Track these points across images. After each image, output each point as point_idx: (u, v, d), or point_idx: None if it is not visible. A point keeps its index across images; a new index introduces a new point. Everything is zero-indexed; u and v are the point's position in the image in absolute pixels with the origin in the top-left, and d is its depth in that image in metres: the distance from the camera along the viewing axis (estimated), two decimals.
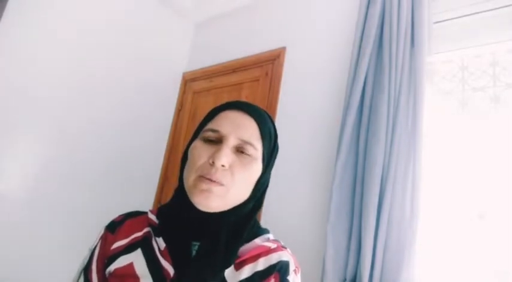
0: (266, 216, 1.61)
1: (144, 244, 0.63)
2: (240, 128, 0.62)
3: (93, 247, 0.67)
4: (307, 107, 1.67)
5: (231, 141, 0.61)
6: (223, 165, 0.59)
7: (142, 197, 2.12)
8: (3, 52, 1.57)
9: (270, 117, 0.70)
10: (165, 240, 0.61)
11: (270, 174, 0.69)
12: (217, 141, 0.62)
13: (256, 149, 0.62)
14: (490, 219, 1.14)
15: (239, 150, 0.62)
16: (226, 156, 0.59)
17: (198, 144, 0.63)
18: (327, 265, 1.24)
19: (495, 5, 1.27)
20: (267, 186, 0.69)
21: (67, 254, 1.53)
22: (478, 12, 1.31)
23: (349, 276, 1.21)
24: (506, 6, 1.25)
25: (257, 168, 0.63)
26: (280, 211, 1.59)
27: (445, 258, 1.18)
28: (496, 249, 1.10)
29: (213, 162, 0.58)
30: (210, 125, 0.64)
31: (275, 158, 0.69)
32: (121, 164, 2.00)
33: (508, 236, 1.09)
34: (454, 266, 1.16)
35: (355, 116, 1.35)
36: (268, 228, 0.71)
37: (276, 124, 1.71)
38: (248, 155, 0.61)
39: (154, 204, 2.17)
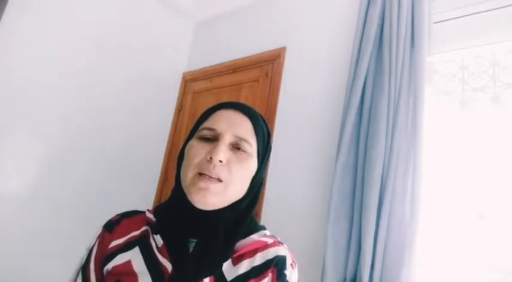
0: (266, 216, 1.61)
1: (142, 242, 0.63)
2: (235, 126, 0.64)
3: (91, 246, 0.67)
4: (307, 107, 1.67)
5: (227, 138, 0.62)
6: (220, 161, 0.60)
7: (143, 197, 2.12)
8: (3, 52, 1.57)
9: (262, 117, 0.71)
10: (162, 237, 0.61)
11: (264, 171, 0.70)
12: (214, 139, 0.63)
13: (251, 146, 0.64)
14: (490, 219, 1.14)
15: (235, 146, 0.63)
16: (223, 152, 0.60)
17: (194, 142, 0.65)
18: (327, 265, 1.24)
19: (495, 5, 1.27)
20: (261, 183, 0.70)
21: (67, 253, 1.52)
22: (478, 12, 1.31)
23: (349, 276, 1.21)
24: (506, 6, 1.25)
25: (253, 165, 0.64)
26: (281, 211, 1.59)
27: (445, 258, 1.18)
28: (496, 249, 1.10)
29: (210, 158, 0.60)
30: (205, 124, 0.66)
31: (269, 157, 0.71)
32: (121, 164, 2.00)
33: (508, 236, 1.09)
34: (454, 266, 1.16)
35: (355, 116, 1.35)
36: (269, 228, 0.71)
37: (276, 124, 1.75)
38: (244, 151, 0.63)
39: (155, 204, 2.16)
